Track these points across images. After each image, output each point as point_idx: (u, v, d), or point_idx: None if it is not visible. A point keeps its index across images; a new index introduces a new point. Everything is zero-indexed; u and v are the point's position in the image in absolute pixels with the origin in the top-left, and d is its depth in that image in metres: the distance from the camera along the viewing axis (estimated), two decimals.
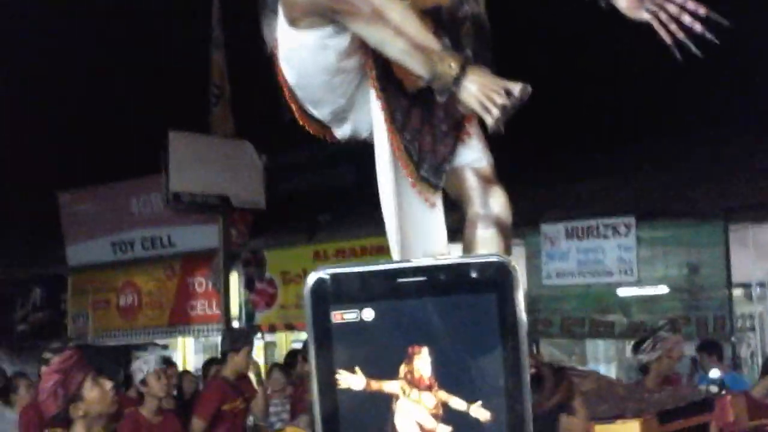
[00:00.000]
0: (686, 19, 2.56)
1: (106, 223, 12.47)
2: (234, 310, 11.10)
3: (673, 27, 2.57)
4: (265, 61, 2.52)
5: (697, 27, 2.54)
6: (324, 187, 11.21)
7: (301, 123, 2.60)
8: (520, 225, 8.40)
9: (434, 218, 2.52)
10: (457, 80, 2.18)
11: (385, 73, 2.37)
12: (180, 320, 11.98)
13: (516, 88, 2.15)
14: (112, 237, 12.45)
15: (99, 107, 10.45)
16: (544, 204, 8.72)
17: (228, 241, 10.87)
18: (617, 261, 8.22)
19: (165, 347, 12.49)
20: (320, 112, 2.52)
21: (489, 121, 2.17)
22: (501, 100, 2.14)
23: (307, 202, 11.29)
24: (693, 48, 2.54)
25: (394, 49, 2.20)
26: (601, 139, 8.97)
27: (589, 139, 9.03)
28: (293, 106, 2.54)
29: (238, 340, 5.76)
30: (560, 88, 8.43)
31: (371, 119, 2.43)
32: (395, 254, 2.44)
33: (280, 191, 11.37)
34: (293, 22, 2.23)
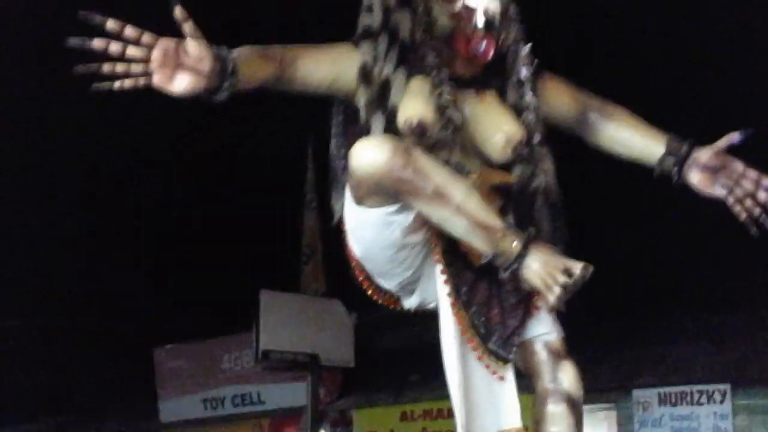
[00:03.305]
0: (762, 195, 2.55)
1: (198, 379, 12.58)
2: None
3: (748, 203, 2.56)
4: None
5: None
6: (413, 346, 11.16)
7: (369, 293, 2.64)
8: (612, 390, 8.25)
9: (505, 392, 2.47)
10: (520, 258, 2.19)
11: (450, 248, 2.40)
12: None
13: (577, 267, 2.15)
14: (203, 394, 12.53)
15: (194, 266, 10.74)
16: (636, 369, 8.51)
17: (316, 399, 10.82)
18: (713, 429, 7.91)
19: None
20: (387, 284, 2.56)
21: (551, 299, 2.17)
22: (562, 279, 2.14)
23: (396, 361, 11.23)
24: None
25: (456, 227, 2.23)
26: (694, 306, 8.79)
27: (682, 305, 8.86)
28: (361, 277, 2.59)
29: None
30: (651, 254, 8.35)
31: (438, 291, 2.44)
32: (460, 430, 2.41)
33: (369, 350, 11.36)
34: (359, 200, 2.30)
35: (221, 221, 9.35)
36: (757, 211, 2.55)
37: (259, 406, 12.01)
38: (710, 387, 7.99)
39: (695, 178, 2.61)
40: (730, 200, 2.58)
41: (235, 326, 11.19)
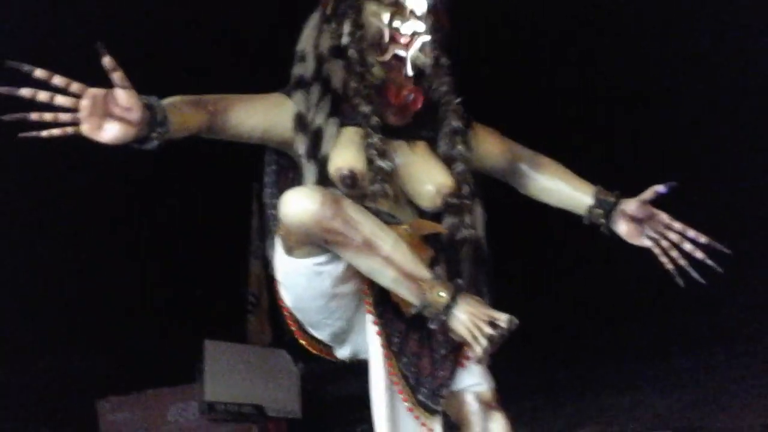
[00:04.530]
0: (687, 246, 2.60)
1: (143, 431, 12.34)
2: None
3: (674, 254, 2.60)
4: None
5: (699, 254, 2.58)
6: (361, 396, 11.05)
7: (303, 343, 2.64)
8: None
9: None
10: (447, 309, 2.21)
11: (381, 298, 2.40)
12: None
13: (503, 319, 2.16)
14: None
15: (137, 314, 10.63)
16: (576, 419, 8.51)
17: None
18: None
19: None
20: (319, 334, 2.56)
21: (477, 351, 2.18)
22: (488, 330, 2.15)
23: (343, 411, 11.14)
24: (695, 275, 2.57)
25: (385, 277, 2.24)
26: (636, 353, 8.85)
27: (624, 352, 8.91)
28: (293, 328, 2.59)
29: None
30: (589, 302, 8.42)
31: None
32: None
33: (316, 400, 11.25)
34: (289, 250, 2.30)
35: (164, 269, 9.27)
36: (682, 261, 2.59)
37: None
38: None
39: (622, 228, 2.65)
40: (657, 251, 2.62)
41: (179, 377, 11.03)
